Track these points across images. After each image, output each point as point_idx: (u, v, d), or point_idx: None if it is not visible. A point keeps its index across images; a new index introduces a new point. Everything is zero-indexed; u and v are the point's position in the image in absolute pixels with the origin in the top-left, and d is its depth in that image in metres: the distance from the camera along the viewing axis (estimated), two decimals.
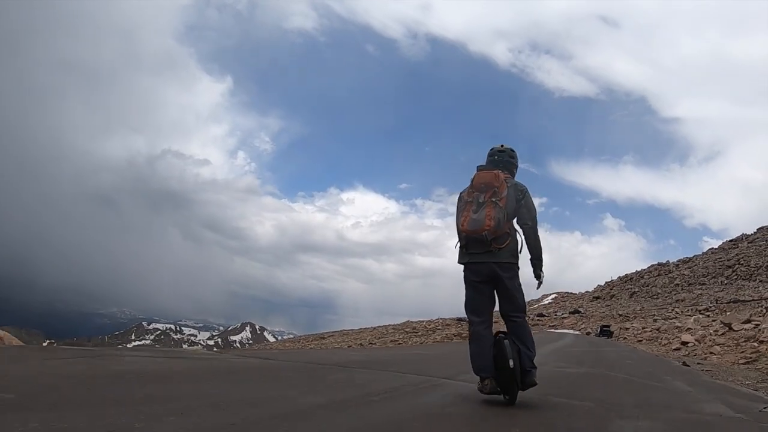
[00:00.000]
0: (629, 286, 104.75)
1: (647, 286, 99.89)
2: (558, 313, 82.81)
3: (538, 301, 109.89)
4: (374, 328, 58.91)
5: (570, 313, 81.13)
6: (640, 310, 70.86)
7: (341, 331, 64.32)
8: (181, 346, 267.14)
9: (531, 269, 5.33)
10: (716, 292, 75.16)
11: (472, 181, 5.33)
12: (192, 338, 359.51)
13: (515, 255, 5.17)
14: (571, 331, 54.77)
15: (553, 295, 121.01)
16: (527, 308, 5.54)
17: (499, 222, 4.98)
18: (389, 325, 58.79)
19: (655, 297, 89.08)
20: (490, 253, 5.08)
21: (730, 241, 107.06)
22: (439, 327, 47.67)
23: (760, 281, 76.54)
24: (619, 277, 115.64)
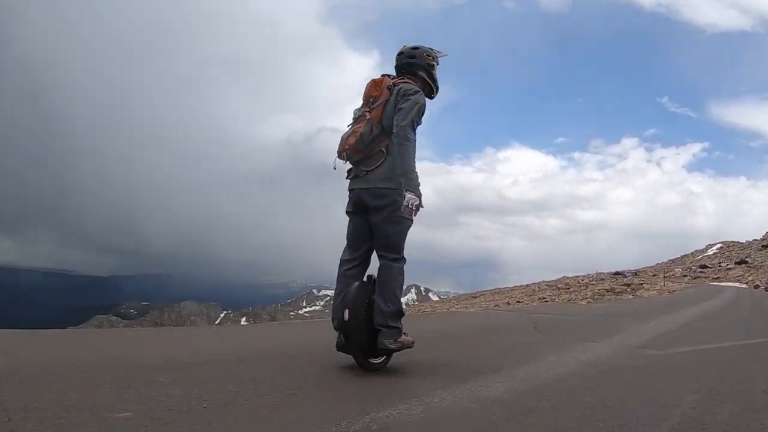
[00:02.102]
0: None
1: None
2: (722, 264, 78.78)
3: (702, 251, 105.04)
4: (527, 285, 55.25)
5: (736, 263, 77.02)
6: None
7: (495, 289, 60.94)
8: None
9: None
10: None
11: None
12: None
13: (392, 179, 4.10)
14: (736, 284, 52.08)
15: (718, 245, 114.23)
16: (399, 249, 4.29)
17: (361, 139, 4.13)
18: (543, 281, 56.00)
19: None
20: (358, 179, 4.26)
21: None
22: (593, 282, 46.76)
23: None
24: None
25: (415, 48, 4.49)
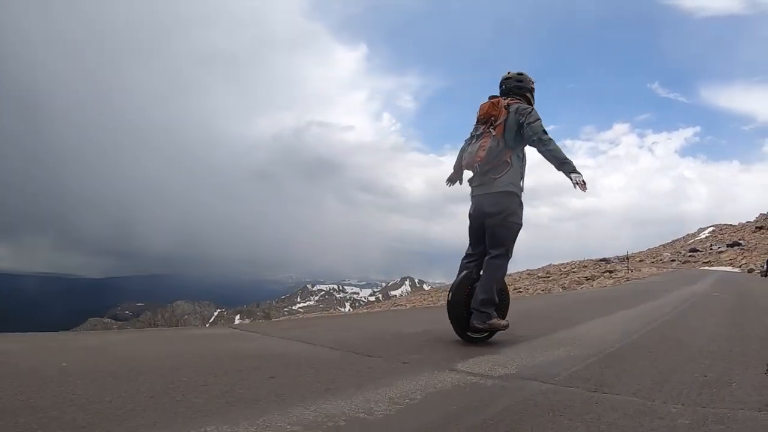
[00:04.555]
0: None
1: None
2: (714, 247, 77.60)
3: (694, 235, 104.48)
4: (509, 275, 54.91)
5: (728, 246, 75.68)
6: None
7: None
8: (344, 305, 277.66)
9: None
10: None
11: (477, 115, 5.21)
12: (354, 296, 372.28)
13: (514, 184, 4.92)
14: (728, 269, 49.74)
15: (710, 229, 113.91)
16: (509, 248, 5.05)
17: (491, 152, 4.84)
18: (525, 270, 57.34)
19: None
20: (486, 185, 4.95)
21: None
22: (575, 269, 46.83)
23: None
24: None
25: (521, 74, 5.27)
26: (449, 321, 5.00)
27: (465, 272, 5.06)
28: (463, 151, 5.37)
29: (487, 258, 4.97)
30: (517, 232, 5.02)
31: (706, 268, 50.99)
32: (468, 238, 5.27)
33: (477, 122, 5.19)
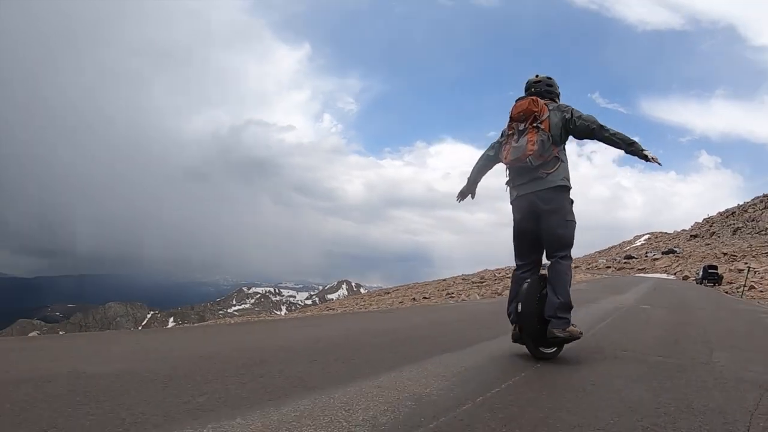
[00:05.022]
0: (731, 222, 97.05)
1: (753, 221, 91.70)
2: (649, 254, 78.33)
3: (630, 242, 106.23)
4: (444, 280, 57.96)
5: (663, 253, 76.48)
6: (749, 247, 64.19)
7: (410, 285, 60.45)
8: (280, 308, 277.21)
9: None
10: None
11: (510, 114, 4.98)
12: (291, 299, 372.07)
13: (567, 179, 4.76)
14: (663, 276, 49.71)
15: (646, 236, 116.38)
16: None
17: (542, 145, 4.64)
18: (460, 275, 56.34)
19: (763, 233, 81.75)
20: (537, 181, 4.72)
21: None
22: (508, 275, 44.91)
23: None
24: (719, 212, 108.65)
25: (550, 78, 5.18)
26: (516, 339, 4.80)
27: (530, 280, 4.72)
28: (489, 156, 5.29)
29: (553, 261, 4.74)
30: (574, 230, 4.83)
31: (641, 275, 51.45)
32: (515, 247, 5.03)
33: (511, 120, 4.97)
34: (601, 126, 4.73)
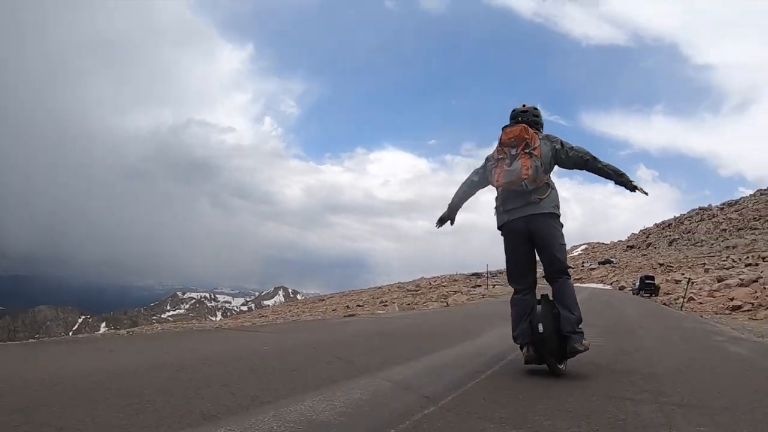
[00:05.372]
0: (668, 233, 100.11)
1: (689, 232, 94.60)
2: (585, 264, 79.10)
3: (567, 253, 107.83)
4: (379, 287, 59.24)
5: (599, 263, 77.20)
6: (684, 258, 65.43)
7: (345, 292, 64.49)
8: (215, 314, 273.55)
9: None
10: None
11: (500, 139, 5.00)
12: (226, 305, 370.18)
13: (558, 207, 4.90)
14: (599, 285, 49.56)
15: (583, 246, 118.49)
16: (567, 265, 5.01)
17: (537, 170, 4.71)
18: (396, 283, 59.03)
19: (698, 244, 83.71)
20: (531, 205, 4.82)
21: None
22: (444, 284, 47.31)
23: None
24: (656, 224, 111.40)
25: (536, 108, 5.28)
26: (531, 361, 4.72)
27: (542, 302, 4.80)
28: (473, 182, 5.30)
29: (560, 281, 4.81)
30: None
31: (578, 284, 51.08)
32: (510, 272, 5.08)
33: (501, 145, 4.97)
34: (595, 157, 4.96)
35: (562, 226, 4.91)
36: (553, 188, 4.91)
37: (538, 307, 4.73)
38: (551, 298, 4.82)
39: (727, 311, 19.15)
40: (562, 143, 4.97)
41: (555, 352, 4.62)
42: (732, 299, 20.87)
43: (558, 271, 4.80)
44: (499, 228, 5.04)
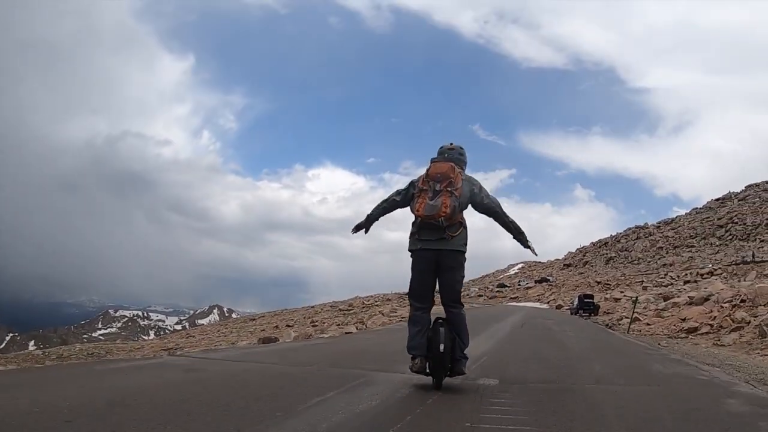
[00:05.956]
0: (604, 252, 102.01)
1: (625, 250, 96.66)
2: (522, 283, 78.97)
3: (503, 271, 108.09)
4: (312, 307, 59.65)
5: (536, 282, 77.23)
6: (622, 276, 66.67)
7: (278, 311, 64.26)
8: (148, 333, 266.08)
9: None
10: (711, 254, 72.45)
11: (427, 171, 5.36)
12: (159, 323, 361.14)
13: (465, 245, 5.35)
14: (536, 304, 48.86)
15: (520, 265, 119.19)
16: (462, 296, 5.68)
17: (454, 210, 5.09)
18: (329, 302, 59.54)
19: (635, 262, 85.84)
20: (443, 241, 5.20)
21: (717, 200, 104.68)
22: (377, 303, 46.83)
23: (762, 240, 74.04)
24: (593, 242, 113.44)
25: (462, 148, 5.76)
26: (418, 371, 5.04)
27: (444, 327, 5.17)
28: (395, 201, 5.60)
29: (455, 311, 5.34)
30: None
31: (514, 303, 51.34)
32: (414, 292, 5.43)
33: (428, 178, 5.28)
34: (504, 212, 5.55)
35: (465, 260, 5.40)
36: (465, 227, 5.37)
37: (442, 328, 5.11)
38: (446, 322, 5.29)
39: (683, 334, 16.50)
40: (480, 188, 5.46)
41: (446, 370, 5.11)
42: (684, 319, 19.02)
43: (454, 300, 5.39)
44: (410, 251, 5.42)
